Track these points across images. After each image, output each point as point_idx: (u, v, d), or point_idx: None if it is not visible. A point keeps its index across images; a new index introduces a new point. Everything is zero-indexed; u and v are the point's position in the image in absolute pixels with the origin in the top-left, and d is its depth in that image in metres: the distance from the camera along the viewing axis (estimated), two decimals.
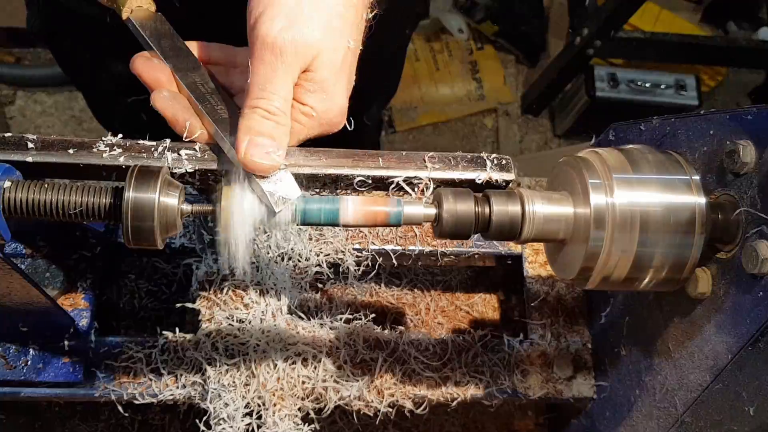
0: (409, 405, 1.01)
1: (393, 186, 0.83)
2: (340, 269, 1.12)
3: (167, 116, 0.79)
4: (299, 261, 1.05)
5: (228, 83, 0.85)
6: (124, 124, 1.47)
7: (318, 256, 1.04)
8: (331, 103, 0.77)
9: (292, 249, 1.03)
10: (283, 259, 1.04)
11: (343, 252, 1.05)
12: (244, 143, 0.72)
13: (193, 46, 0.85)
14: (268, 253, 1.03)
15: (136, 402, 0.98)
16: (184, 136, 0.78)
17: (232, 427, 0.96)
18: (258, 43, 0.72)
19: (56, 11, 1.31)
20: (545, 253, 0.86)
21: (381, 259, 1.05)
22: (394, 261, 1.05)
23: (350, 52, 0.77)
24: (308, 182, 0.81)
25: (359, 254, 1.04)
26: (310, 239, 1.04)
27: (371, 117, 1.72)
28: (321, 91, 0.76)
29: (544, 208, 0.73)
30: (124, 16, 0.86)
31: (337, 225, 0.74)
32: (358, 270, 1.06)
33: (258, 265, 1.02)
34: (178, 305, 1.02)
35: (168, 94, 0.80)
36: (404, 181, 0.82)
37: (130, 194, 0.69)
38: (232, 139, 0.75)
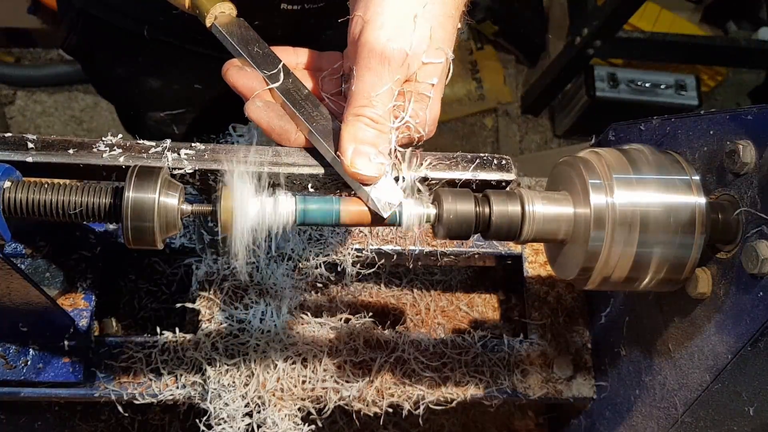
0: (408, 405, 1.01)
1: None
2: (340, 269, 1.12)
3: (263, 125, 0.79)
4: (299, 261, 1.05)
5: (313, 89, 0.84)
6: (154, 134, 1.49)
7: (318, 256, 1.04)
8: (431, 112, 0.77)
9: (292, 249, 1.03)
10: (283, 260, 1.04)
11: (342, 252, 1.05)
12: (350, 151, 0.73)
13: (278, 50, 0.85)
14: (268, 254, 1.03)
15: (136, 402, 0.98)
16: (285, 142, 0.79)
17: (232, 427, 0.96)
18: (365, 50, 0.72)
19: (93, 28, 1.32)
20: (545, 253, 0.86)
21: (381, 259, 1.05)
22: (394, 261, 1.05)
23: (447, 63, 0.77)
24: (308, 182, 0.81)
25: (359, 254, 1.04)
26: (310, 239, 1.04)
27: None
28: (422, 100, 0.76)
29: (544, 208, 0.73)
30: (208, 23, 0.85)
31: (337, 225, 0.74)
32: (358, 270, 1.06)
33: (258, 265, 1.02)
34: (179, 305, 1.02)
35: (261, 104, 0.79)
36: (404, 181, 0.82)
37: (129, 194, 0.69)
38: (331, 143, 0.75)
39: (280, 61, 0.82)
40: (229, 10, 0.86)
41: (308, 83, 0.84)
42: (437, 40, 0.75)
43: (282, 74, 0.81)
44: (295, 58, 0.86)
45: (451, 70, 0.79)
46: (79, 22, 1.35)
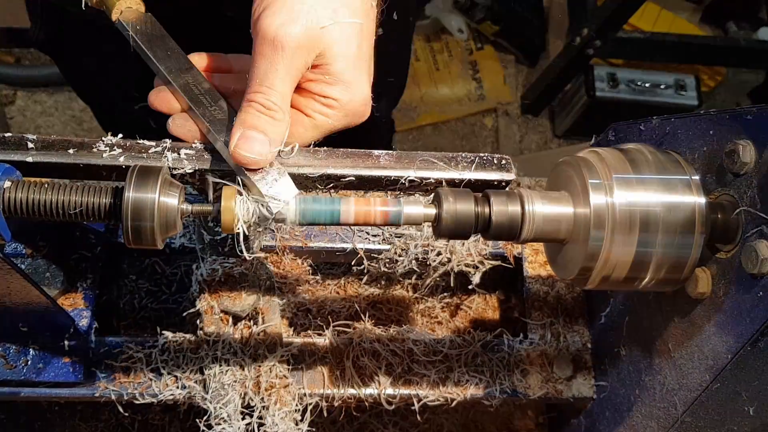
0: (408, 405, 1.01)
1: (393, 186, 0.83)
2: (340, 269, 1.12)
3: (187, 139, 0.79)
4: (299, 261, 1.05)
5: (222, 89, 0.84)
6: (132, 132, 1.48)
7: (318, 256, 1.04)
8: (353, 94, 0.76)
9: (292, 249, 1.03)
10: (283, 260, 1.04)
11: (342, 252, 1.05)
12: (236, 136, 0.72)
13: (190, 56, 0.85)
14: (268, 254, 1.03)
15: (136, 402, 0.98)
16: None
17: (232, 426, 0.96)
18: (259, 37, 0.72)
19: (60, 20, 1.31)
20: (545, 253, 0.86)
21: (381, 259, 1.05)
22: (394, 260, 1.05)
23: (364, 40, 0.76)
24: (308, 182, 0.81)
25: (359, 254, 1.04)
26: (310, 240, 1.04)
27: (381, 110, 1.70)
28: (340, 82, 0.75)
29: (543, 208, 0.73)
30: (114, 17, 0.84)
31: (337, 225, 0.74)
32: (358, 270, 1.06)
33: (258, 265, 1.02)
34: (179, 306, 1.02)
35: (181, 120, 0.80)
36: (404, 180, 0.82)
37: (129, 194, 0.69)
38: (226, 138, 0.74)
39: (185, 56, 0.82)
40: (136, 5, 0.85)
41: (218, 84, 0.83)
42: (342, 17, 0.73)
43: (183, 68, 0.80)
44: (204, 61, 0.85)
45: (372, 35, 0.77)
46: (44, 15, 1.33)
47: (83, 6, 0.86)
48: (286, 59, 0.71)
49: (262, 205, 0.71)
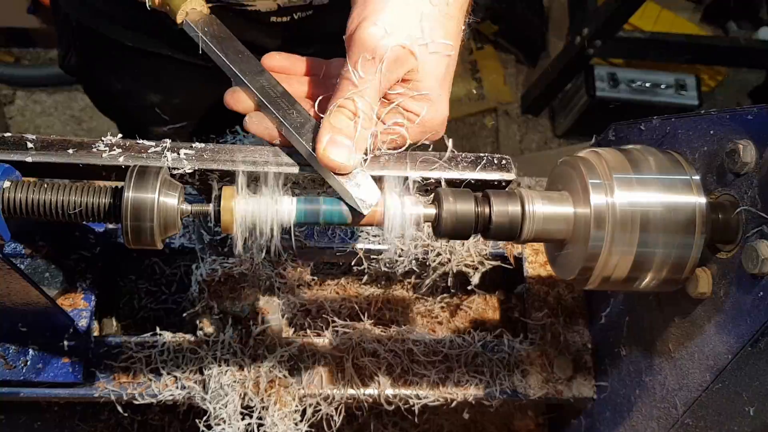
0: (408, 405, 1.01)
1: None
2: (340, 269, 1.12)
3: (264, 137, 0.80)
4: (299, 262, 1.05)
5: (309, 94, 0.85)
6: None
7: (318, 256, 1.04)
8: (436, 112, 0.77)
9: (293, 249, 1.03)
10: (283, 260, 1.04)
11: (342, 252, 1.05)
12: (325, 139, 0.73)
13: (277, 57, 0.85)
14: (268, 254, 1.03)
15: (136, 402, 0.98)
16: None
17: (231, 427, 0.96)
18: (357, 45, 0.73)
19: (91, 43, 1.32)
20: (545, 253, 0.86)
21: (380, 259, 1.05)
22: (394, 260, 1.05)
23: (452, 61, 0.77)
24: (309, 182, 0.81)
25: (359, 254, 1.04)
26: (310, 240, 1.04)
27: None
28: (426, 99, 0.76)
29: (544, 208, 0.73)
30: (179, 19, 0.83)
31: (338, 224, 0.74)
32: (358, 270, 1.06)
33: (257, 265, 1.02)
34: (178, 306, 1.02)
35: (257, 118, 0.80)
36: (404, 181, 0.82)
37: (129, 194, 0.69)
38: (306, 139, 0.75)
39: (255, 59, 0.82)
40: (200, 6, 0.84)
41: (305, 89, 0.84)
42: (437, 38, 0.74)
43: (256, 71, 0.80)
44: (271, 61, 0.86)
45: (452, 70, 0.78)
46: (77, 40, 1.35)
47: (147, 6, 0.85)
48: (382, 70, 0.72)
49: (351, 207, 0.72)
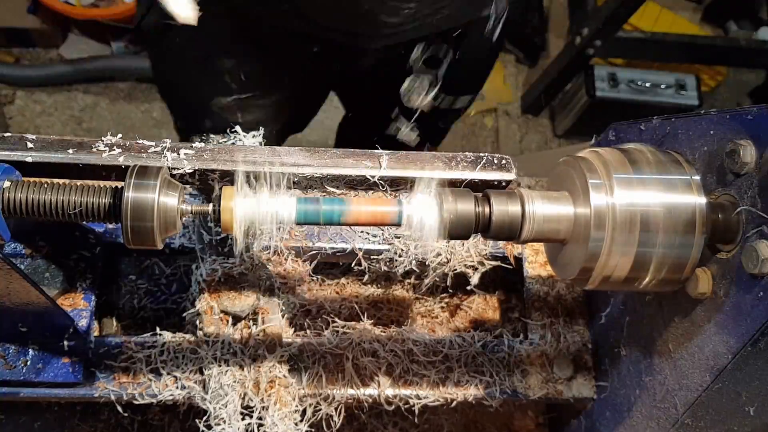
0: (408, 405, 1.01)
1: (393, 186, 0.83)
2: (340, 269, 1.12)
3: None
4: (299, 262, 1.05)
5: None
6: (218, 125, 1.47)
7: (318, 256, 1.04)
8: None
9: (291, 249, 1.03)
10: (283, 260, 1.04)
11: (342, 252, 1.05)
12: None
13: None
14: (268, 254, 1.03)
15: (136, 402, 0.98)
16: None
17: (231, 427, 0.96)
18: None
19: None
20: (545, 253, 0.86)
21: (380, 259, 1.05)
22: (393, 261, 1.05)
23: None
24: (309, 182, 0.81)
25: (359, 254, 1.04)
26: (310, 240, 1.04)
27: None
28: None
29: (544, 208, 0.73)
30: None
31: (337, 224, 0.74)
32: (358, 270, 1.06)
33: (258, 265, 1.02)
34: (178, 306, 1.02)
35: None
36: (404, 180, 0.82)
37: (129, 194, 0.69)
38: None
39: None
40: None
41: None
42: None
43: None
44: None
45: None
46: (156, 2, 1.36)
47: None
48: None
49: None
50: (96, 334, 1.02)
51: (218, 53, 1.36)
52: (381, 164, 0.81)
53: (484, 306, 1.18)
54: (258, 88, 1.43)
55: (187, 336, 0.99)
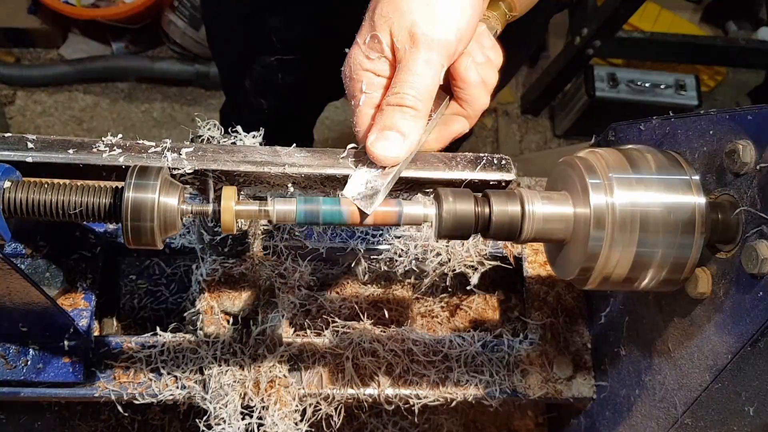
0: (408, 405, 1.01)
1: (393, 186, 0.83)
2: (340, 269, 1.12)
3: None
4: (299, 262, 1.05)
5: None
6: (258, 84, 1.50)
7: (317, 256, 1.04)
8: (480, 96, 0.81)
9: (292, 249, 1.03)
10: (283, 261, 1.04)
11: (342, 252, 1.05)
12: (374, 134, 0.74)
13: None
14: (268, 254, 1.03)
15: (136, 402, 0.98)
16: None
17: (231, 426, 0.96)
18: (415, 41, 0.74)
19: None
20: (545, 253, 0.86)
21: (381, 259, 1.05)
22: (393, 261, 1.05)
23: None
24: (309, 182, 0.81)
25: (358, 255, 1.04)
26: (310, 240, 1.04)
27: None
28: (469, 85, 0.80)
29: (543, 208, 0.73)
30: None
31: (337, 225, 0.74)
32: (358, 270, 1.06)
33: (258, 265, 1.02)
34: (179, 306, 1.02)
35: None
36: (405, 180, 0.82)
37: (129, 194, 0.69)
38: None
39: None
40: None
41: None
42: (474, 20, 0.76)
43: None
44: None
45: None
46: None
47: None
48: (439, 60, 0.74)
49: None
50: (96, 333, 1.02)
51: (267, 10, 1.38)
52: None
53: (484, 306, 1.18)
54: (302, 51, 1.44)
55: (188, 336, 1.00)
